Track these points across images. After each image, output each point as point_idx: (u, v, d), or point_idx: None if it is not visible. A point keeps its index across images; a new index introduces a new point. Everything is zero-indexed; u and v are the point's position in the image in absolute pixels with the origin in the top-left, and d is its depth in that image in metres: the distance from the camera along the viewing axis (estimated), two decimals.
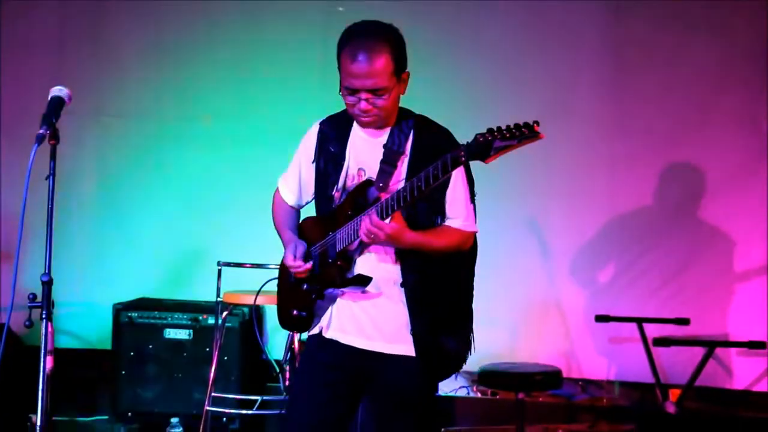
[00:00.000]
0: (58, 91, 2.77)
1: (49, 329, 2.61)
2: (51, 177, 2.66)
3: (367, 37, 2.76)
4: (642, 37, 5.36)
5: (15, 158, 5.56)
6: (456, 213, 2.86)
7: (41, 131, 2.65)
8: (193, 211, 5.77)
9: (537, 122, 2.42)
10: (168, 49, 5.83)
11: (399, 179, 2.81)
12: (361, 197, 2.83)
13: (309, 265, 2.91)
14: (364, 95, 2.75)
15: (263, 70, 5.71)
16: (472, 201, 2.90)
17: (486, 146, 2.48)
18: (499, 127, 2.47)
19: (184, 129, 5.80)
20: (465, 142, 2.55)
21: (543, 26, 5.47)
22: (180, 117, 5.80)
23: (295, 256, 2.92)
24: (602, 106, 5.42)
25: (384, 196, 2.73)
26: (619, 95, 5.40)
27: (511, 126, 2.45)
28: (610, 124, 5.41)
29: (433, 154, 2.65)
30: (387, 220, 2.69)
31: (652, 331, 5.00)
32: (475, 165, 2.81)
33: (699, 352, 4.88)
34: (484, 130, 2.49)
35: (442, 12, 5.50)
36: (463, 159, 2.53)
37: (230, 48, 5.76)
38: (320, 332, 2.95)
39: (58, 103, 2.74)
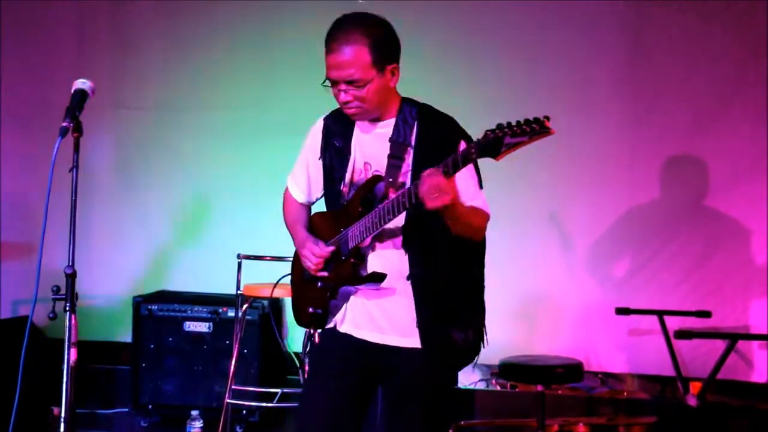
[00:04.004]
0: (81, 83, 2.76)
1: (73, 321, 2.62)
2: (74, 169, 2.66)
3: (343, 29, 2.74)
4: (661, 30, 5.33)
5: (35, 150, 5.59)
6: (470, 197, 2.76)
7: (65, 124, 2.65)
8: (213, 204, 5.79)
9: (547, 117, 2.35)
10: (187, 42, 5.84)
11: (405, 171, 2.78)
12: (371, 193, 2.80)
13: (332, 248, 2.88)
14: (342, 86, 2.74)
15: (283, 63, 5.69)
16: (480, 188, 2.86)
17: (496, 143, 2.41)
18: (509, 123, 2.40)
19: (204, 121, 5.81)
20: (476, 139, 2.49)
21: (561, 19, 5.42)
22: (200, 109, 5.81)
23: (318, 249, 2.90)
24: (621, 99, 5.38)
25: (392, 193, 2.70)
26: (638, 88, 5.36)
27: (521, 121, 2.38)
28: (629, 117, 5.37)
29: (438, 143, 2.62)
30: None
31: (673, 323, 4.98)
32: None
33: (720, 344, 4.84)
34: (494, 126, 2.43)
35: (459, 7, 5.47)
36: (474, 156, 2.48)
37: (250, 41, 5.76)
38: (334, 326, 2.94)
39: (81, 95, 2.74)
